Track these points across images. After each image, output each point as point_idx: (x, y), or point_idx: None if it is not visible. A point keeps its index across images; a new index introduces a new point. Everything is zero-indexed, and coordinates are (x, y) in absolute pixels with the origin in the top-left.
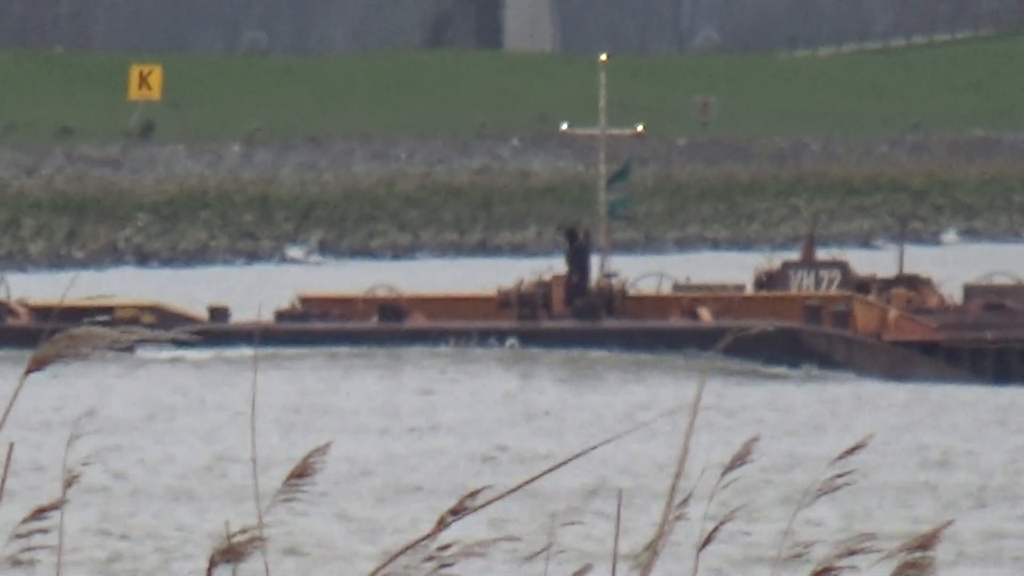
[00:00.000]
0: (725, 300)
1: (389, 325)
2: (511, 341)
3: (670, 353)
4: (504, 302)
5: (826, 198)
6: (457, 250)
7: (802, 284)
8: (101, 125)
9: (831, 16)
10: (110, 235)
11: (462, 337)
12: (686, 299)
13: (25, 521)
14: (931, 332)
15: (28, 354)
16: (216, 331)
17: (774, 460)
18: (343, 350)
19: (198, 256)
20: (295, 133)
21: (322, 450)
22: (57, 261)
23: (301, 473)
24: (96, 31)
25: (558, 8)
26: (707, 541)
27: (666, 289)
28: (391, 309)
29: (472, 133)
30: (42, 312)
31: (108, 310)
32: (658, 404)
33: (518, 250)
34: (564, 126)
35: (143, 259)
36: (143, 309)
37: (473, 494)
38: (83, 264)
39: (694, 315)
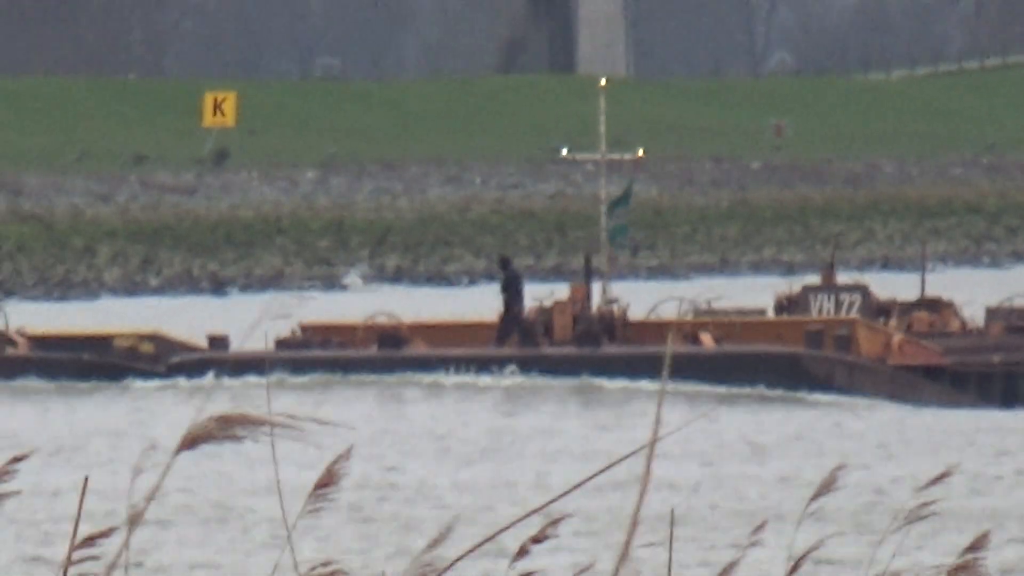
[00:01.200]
0: (727, 325)
1: (388, 353)
2: (511, 368)
3: (670, 379)
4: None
5: (900, 220)
6: (532, 275)
7: (822, 308)
8: (175, 152)
9: (905, 39)
10: (185, 262)
11: (462, 365)
12: (688, 325)
13: (76, 548)
14: (936, 356)
15: (29, 384)
16: (217, 360)
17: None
18: (340, 378)
19: (273, 282)
20: (370, 158)
21: (345, 456)
22: (132, 288)
23: (326, 482)
24: (170, 58)
25: (632, 33)
26: (794, 569)
27: (687, 315)
28: (390, 337)
29: (546, 158)
30: (41, 342)
31: (107, 339)
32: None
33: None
34: (564, 151)
35: (218, 286)
36: (142, 338)
37: (555, 522)
38: (158, 291)
39: (696, 341)
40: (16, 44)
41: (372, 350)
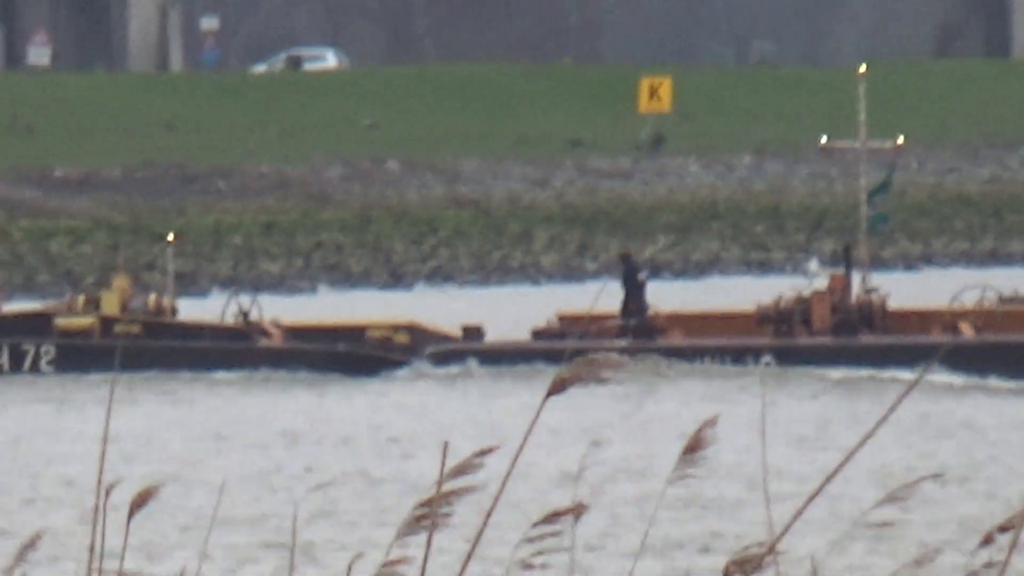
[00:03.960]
0: (987, 314)
1: (643, 343)
2: (766, 358)
3: (928, 369)
4: (763, 318)
5: None
6: (968, 259)
7: None
8: (611, 137)
9: None
10: (622, 247)
11: (717, 354)
12: (948, 314)
13: (536, 524)
14: None
15: (288, 375)
16: (471, 350)
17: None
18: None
19: (710, 267)
20: (805, 143)
21: (712, 422)
22: (569, 273)
23: (695, 447)
24: (606, 44)
25: None
26: None
27: (990, 303)
28: (646, 327)
29: (982, 142)
30: (295, 332)
31: (361, 330)
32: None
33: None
34: (824, 139)
35: (655, 271)
36: (397, 328)
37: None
38: (595, 276)
39: (956, 330)
40: (454, 32)
41: (626, 340)
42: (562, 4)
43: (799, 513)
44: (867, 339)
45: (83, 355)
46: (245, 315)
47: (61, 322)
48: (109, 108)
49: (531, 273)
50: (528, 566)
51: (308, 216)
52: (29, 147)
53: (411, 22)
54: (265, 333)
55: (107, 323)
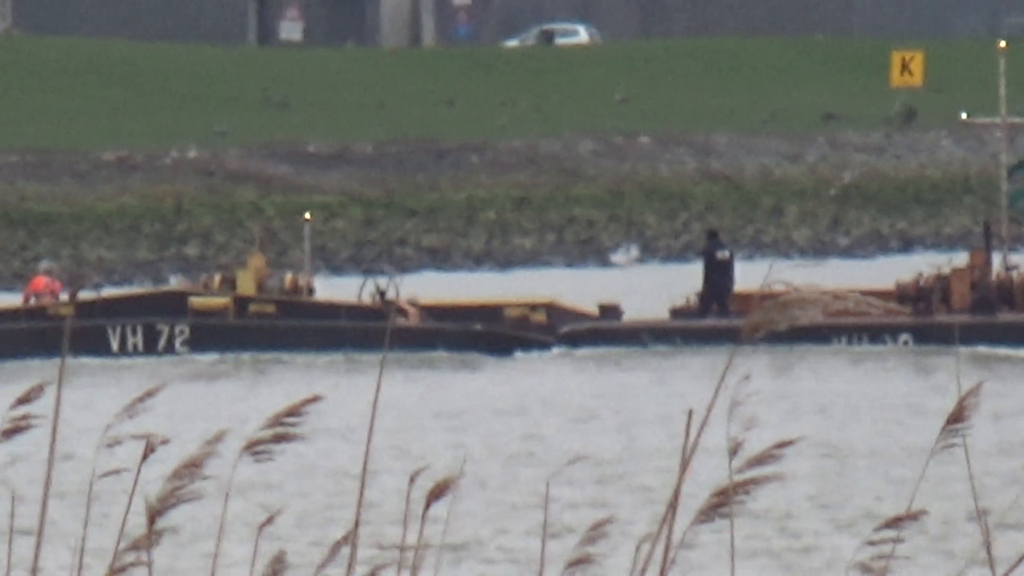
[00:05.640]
0: None
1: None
2: (904, 337)
3: None
4: (902, 296)
5: None
6: None
7: None
8: (863, 111)
9: None
10: (874, 221)
11: (854, 333)
12: None
13: (877, 529)
14: None
15: (419, 356)
16: (608, 329)
17: None
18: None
19: (961, 241)
20: None
21: (975, 391)
22: (821, 248)
23: (958, 417)
24: (857, 17)
25: None
26: None
27: None
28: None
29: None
30: (432, 312)
31: (498, 309)
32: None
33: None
34: (964, 115)
35: (906, 245)
36: (534, 307)
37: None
38: (846, 251)
39: None
40: (705, 5)
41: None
42: None
43: None
44: (1007, 317)
45: (217, 335)
46: (382, 294)
47: (195, 302)
48: (361, 83)
49: (783, 248)
50: (867, 569)
51: (560, 191)
52: (282, 122)
53: None
54: (402, 312)
55: (242, 303)
